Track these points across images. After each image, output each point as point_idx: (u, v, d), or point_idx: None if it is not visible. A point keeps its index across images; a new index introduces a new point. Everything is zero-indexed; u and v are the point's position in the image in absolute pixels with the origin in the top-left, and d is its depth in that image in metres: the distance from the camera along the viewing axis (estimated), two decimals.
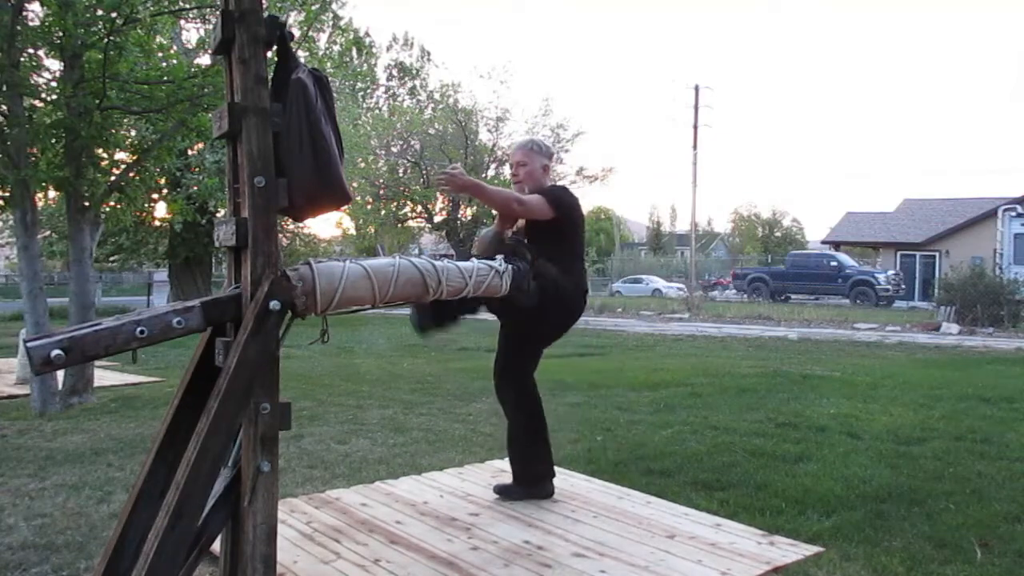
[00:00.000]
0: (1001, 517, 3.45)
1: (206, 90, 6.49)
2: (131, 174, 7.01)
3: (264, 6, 2.13)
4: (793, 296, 26.93)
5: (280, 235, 4.14)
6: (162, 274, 23.94)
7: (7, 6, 5.74)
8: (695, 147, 25.37)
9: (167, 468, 2.05)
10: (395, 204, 25.15)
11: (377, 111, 28.67)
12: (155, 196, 15.38)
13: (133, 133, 7.61)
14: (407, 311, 3.47)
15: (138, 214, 14.32)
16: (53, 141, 6.51)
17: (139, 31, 6.44)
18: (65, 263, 16.31)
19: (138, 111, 6.63)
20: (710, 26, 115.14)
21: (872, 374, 8.38)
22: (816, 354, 10.88)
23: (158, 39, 7.20)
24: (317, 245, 22.42)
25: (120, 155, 7.33)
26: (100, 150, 6.81)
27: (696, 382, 7.61)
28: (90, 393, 6.72)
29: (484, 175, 23.05)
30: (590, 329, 15.52)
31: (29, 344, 1.79)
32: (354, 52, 20.72)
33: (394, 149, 24.72)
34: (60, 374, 6.53)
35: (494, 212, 3.65)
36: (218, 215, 14.98)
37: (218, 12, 2.06)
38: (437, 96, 26.44)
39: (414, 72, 32.95)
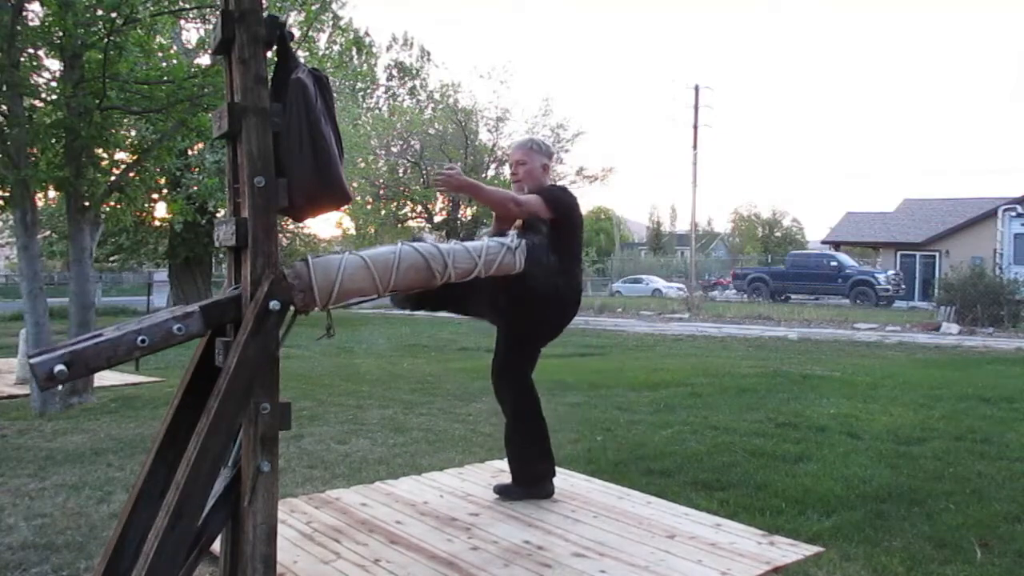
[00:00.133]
0: (1001, 517, 3.45)
1: (206, 90, 6.49)
2: (131, 174, 7.01)
3: (264, 6, 2.14)
4: (793, 296, 26.92)
5: (280, 235, 4.14)
6: (162, 274, 23.96)
7: (7, 6, 5.75)
8: (695, 147, 25.38)
9: (167, 468, 2.06)
10: (395, 204, 25.19)
11: (377, 111, 28.71)
12: (155, 196, 15.40)
13: (133, 133, 7.61)
14: (407, 312, 3.46)
15: (138, 214, 14.35)
16: (53, 141, 6.51)
17: (139, 31, 6.44)
18: (65, 263, 16.31)
19: (138, 111, 6.63)
20: (710, 26, 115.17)
21: (872, 374, 8.38)
22: (816, 354, 10.88)
23: (158, 39, 7.20)
24: (317, 245, 22.41)
25: (120, 155, 7.33)
26: (100, 150, 6.81)
27: (696, 382, 7.61)
28: (90, 393, 6.72)
29: (484, 175, 23.08)
30: (590, 329, 15.52)
31: (32, 360, 1.80)
32: (354, 52, 20.71)
33: (394, 149, 24.74)
34: None
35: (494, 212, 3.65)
36: (218, 215, 14.99)
37: (218, 12, 2.06)
38: (437, 96, 26.51)
39: (414, 72, 33.00)
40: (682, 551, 2.98)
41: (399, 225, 25.42)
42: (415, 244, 2.43)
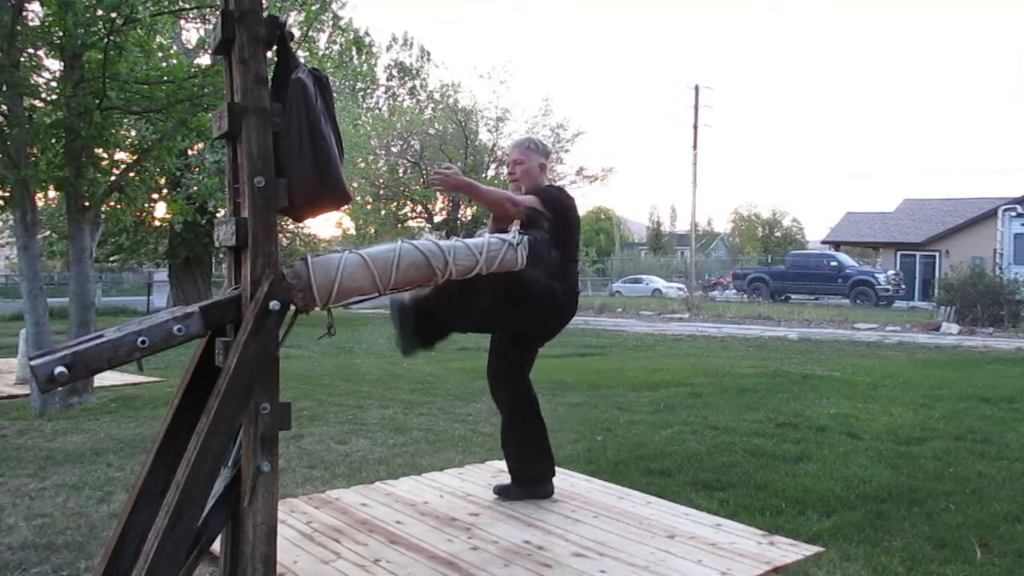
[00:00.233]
0: (1001, 517, 3.45)
1: (206, 90, 6.49)
2: (131, 174, 7.01)
3: (264, 6, 2.14)
4: (793, 296, 26.93)
5: (280, 235, 4.13)
6: (162, 274, 23.95)
7: (7, 6, 5.75)
8: (695, 147, 25.38)
9: (167, 468, 2.05)
10: (395, 204, 25.18)
11: (377, 111, 28.70)
12: (155, 196, 15.40)
13: (133, 133, 7.61)
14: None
15: (138, 214, 14.34)
16: (53, 141, 6.51)
17: (139, 31, 6.44)
18: (65, 263, 16.31)
19: (138, 111, 6.63)
20: (710, 26, 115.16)
21: (872, 374, 8.38)
22: (816, 354, 10.88)
23: (158, 39, 7.19)
24: (317, 245, 22.40)
25: (120, 155, 7.33)
26: (100, 150, 6.81)
27: (696, 382, 7.61)
28: (90, 393, 6.72)
29: (484, 175, 23.08)
30: (590, 329, 15.52)
31: (33, 362, 1.80)
32: (354, 52, 20.70)
33: (394, 149, 24.74)
34: None
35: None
36: (218, 215, 14.99)
37: (218, 12, 2.06)
38: (437, 96, 26.49)
39: (414, 72, 32.98)
40: (682, 551, 2.98)
41: (399, 225, 25.40)
42: (415, 242, 2.41)
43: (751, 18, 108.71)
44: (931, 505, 3.62)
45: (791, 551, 3.01)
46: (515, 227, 2.88)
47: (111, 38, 5.91)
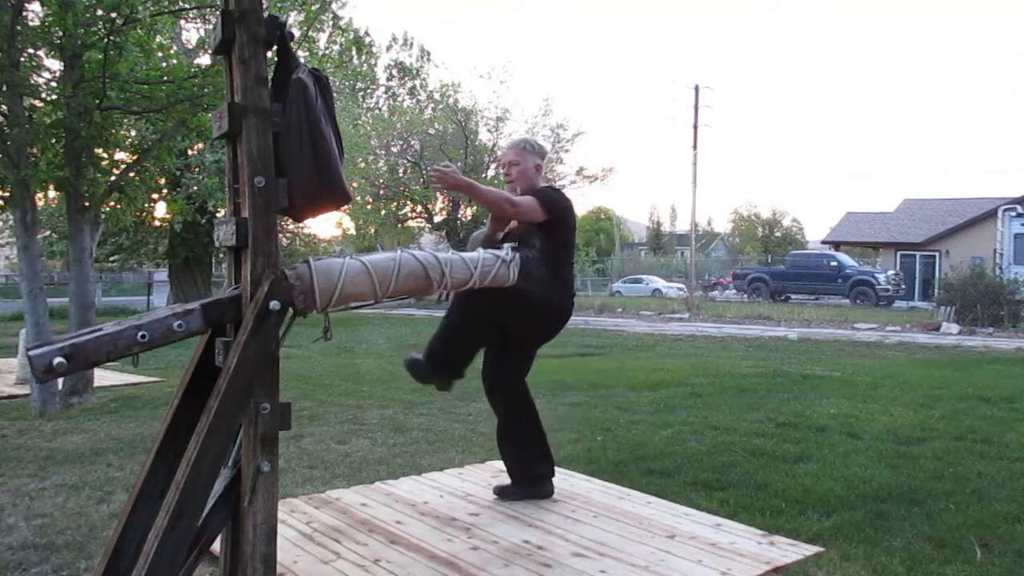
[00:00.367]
0: (1001, 517, 3.45)
1: (206, 90, 6.49)
2: (131, 174, 7.01)
3: (264, 6, 2.14)
4: (793, 296, 26.91)
5: (280, 235, 4.14)
6: (162, 274, 23.95)
7: (7, 6, 5.75)
8: (695, 147, 25.36)
9: (167, 468, 2.06)
10: (395, 204, 25.17)
11: (377, 111, 28.70)
12: (155, 196, 15.42)
13: (133, 133, 7.62)
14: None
15: (138, 214, 14.37)
16: (53, 141, 6.51)
17: (139, 31, 6.44)
18: (65, 263, 16.31)
19: (138, 111, 6.63)
20: (710, 26, 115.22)
21: (872, 374, 8.37)
22: (816, 354, 10.87)
23: (158, 39, 7.20)
24: (317, 245, 22.42)
25: (120, 155, 7.34)
26: (100, 150, 6.81)
27: (696, 382, 7.61)
28: (90, 393, 6.72)
29: (484, 175, 23.06)
30: (590, 329, 15.52)
31: (31, 352, 1.79)
32: (354, 52, 20.70)
33: (394, 149, 24.73)
34: None
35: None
36: (218, 215, 14.98)
37: (218, 12, 2.06)
38: (437, 96, 26.48)
39: (414, 72, 32.98)
40: (682, 551, 2.98)
41: (399, 225, 25.40)
42: (414, 252, 2.47)
43: (751, 18, 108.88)
44: (931, 505, 3.62)
45: (791, 551, 3.01)
46: (508, 245, 2.96)
47: (111, 38, 5.91)
